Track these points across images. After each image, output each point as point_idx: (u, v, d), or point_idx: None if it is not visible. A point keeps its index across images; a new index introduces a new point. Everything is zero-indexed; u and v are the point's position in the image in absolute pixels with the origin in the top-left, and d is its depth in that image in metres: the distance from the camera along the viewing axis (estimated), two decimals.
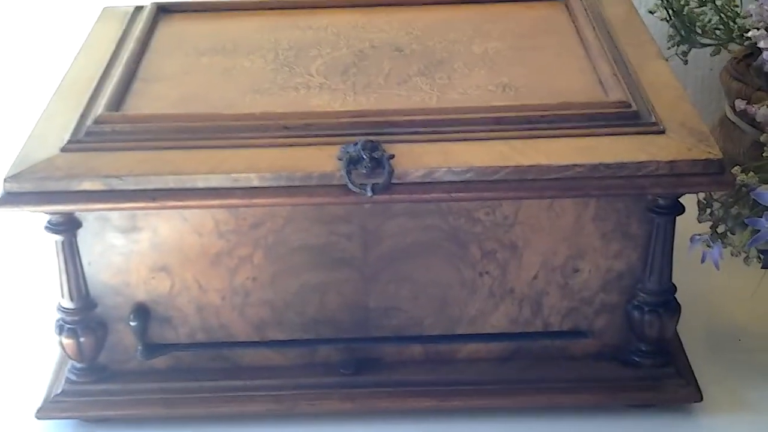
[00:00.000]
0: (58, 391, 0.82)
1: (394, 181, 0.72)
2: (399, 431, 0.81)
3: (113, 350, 0.81)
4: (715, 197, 0.84)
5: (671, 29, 1.01)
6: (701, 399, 0.80)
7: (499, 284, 0.79)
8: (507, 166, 0.72)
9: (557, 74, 0.83)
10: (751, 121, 0.95)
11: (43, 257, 0.83)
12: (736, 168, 0.79)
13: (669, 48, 1.02)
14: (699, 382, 0.80)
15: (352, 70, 0.84)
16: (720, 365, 0.84)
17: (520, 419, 0.75)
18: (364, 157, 0.72)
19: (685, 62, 1.03)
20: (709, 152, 0.73)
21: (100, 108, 0.78)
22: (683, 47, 1.03)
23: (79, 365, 0.81)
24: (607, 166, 0.73)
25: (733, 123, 1.02)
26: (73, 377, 0.82)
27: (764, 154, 0.83)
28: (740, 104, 0.90)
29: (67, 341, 0.79)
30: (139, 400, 0.81)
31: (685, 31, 1.01)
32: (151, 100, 0.81)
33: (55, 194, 0.73)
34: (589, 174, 0.73)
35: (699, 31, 1.01)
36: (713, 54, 1.03)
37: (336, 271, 0.79)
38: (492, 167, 0.73)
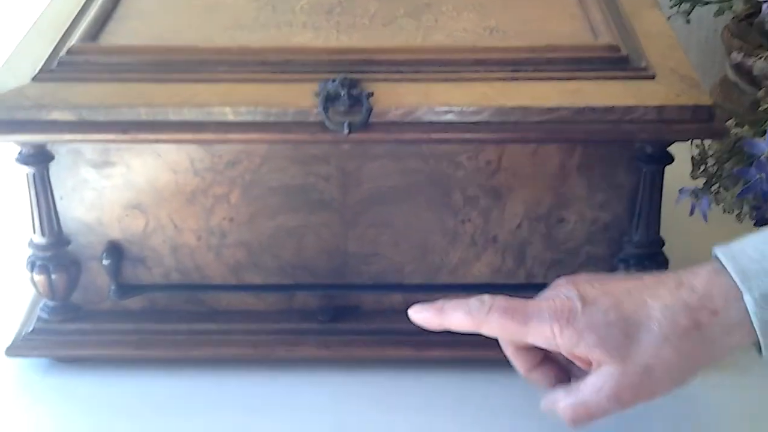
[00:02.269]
0: (29, 330, 0.80)
1: (372, 119, 0.70)
2: (376, 380, 0.79)
3: (87, 290, 0.80)
4: (709, 153, 0.82)
5: None
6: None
7: (482, 232, 0.77)
8: (489, 107, 0.70)
9: (547, 19, 0.80)
10: (751, 81, 0.93)
11: (16, 192, 0.81)
12: (730, 121, 0.77)
13: (671, 7, 1.00)
14: None
15: (336, 10, 0.82)
16: None
17: (500, 371, 0.73)
18: (342, 94, 0.70)
19: (688, 21, 1.00)
20: (699, 98, 0.71)
21: (74, 39, 0.76)
22: (686, 6, 1.00)
23: (51, 304, 0.80)
24: (594, 109, 0.70)
25: (734, 83, 0.99)
26: (45, 316, 0.80)
27: (760, 108, 0.80)
28: (737, 57, 0.87)
29: (39, 278, 0.78)
30: (112, 341, 0.79)
31: None
32: (127, 33, 0.79)
33: (24, 123, 0.71)
34: (575, 118, 0.70)
35: None
36: (717, 14, 1.00)
37: (314, 213, 0.77)
38: (473, 108, 0.70)
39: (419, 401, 0.77)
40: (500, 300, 0.61)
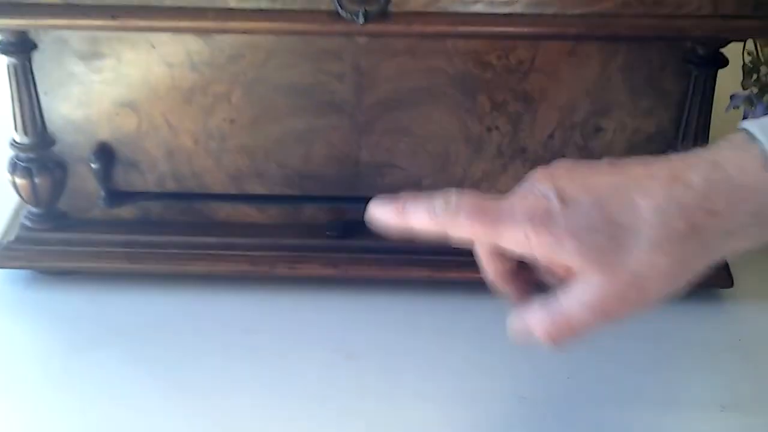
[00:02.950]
0: (11, 239, 0.73)
1: (391, 8, 0.62)
2: (386, 302, 0.72)
3: (74, 196, 0.73)
4: (763, 59, 0.74)
5: None
6: (732, 285, 0.71)
7: (510, 142, 0.70)
8: None
9: None
10: None
11: None
12: None
13: None
14: (730, 268, 0.71)
15: None
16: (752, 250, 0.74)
17: None
18: None
19: None
20: None
21: None
22: None
23: (35, 210, 0.73)
24: (642, 1, 0.62)
25: None
26: (29, 224, 0.73)
27: None
28: None
29: (21, 182, 0.71)
30: (101, 253, 0.73)
31: None
32: None
33: (3, 6, 0.63)
34: (620, 11, 0.62)
35: None
36: None
37: (324, 117, 0.69)
38: None
39: (435, 326, 0.70)
40: (468, 198, 0.52)
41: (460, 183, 0.71)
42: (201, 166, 0.71)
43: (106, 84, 0.69)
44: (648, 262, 0.49)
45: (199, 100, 0.69)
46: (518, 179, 0.69)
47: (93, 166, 0.71)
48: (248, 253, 0.72)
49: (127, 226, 0.73)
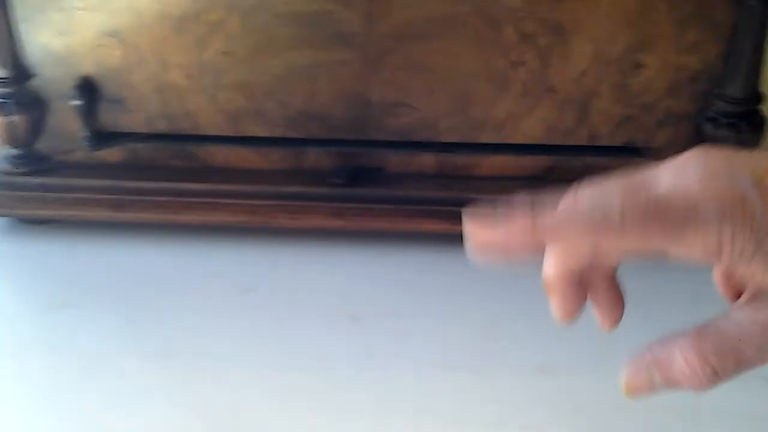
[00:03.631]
0: None
1: None
2: (397, 256, 0.65)
3: (55, 136, 0.66)
4: None
5: None
6: None
7: (538, 80, 0.62)
8: None
9: None
10: None
11: None
12: None
13: None
14: None
15: None
16: None
17: None
18: None
19: None
20: None
21: None
22: None
23: (13, 152, 0.66)
24: None
25: None
26: (6, 166, 0.67)
27: None
28: None
29: None
30: (84, 200, 0.66)
31: None
32: None
33: None
34: None
35: None
36: None
37: (331, 49, 0.62)
38: None
39: (450, 286, 0.63)
40: (629, 193, 0.35)
41: (481, 125, 0.64)
42: (194, 104, 0.64)
43: (89, 11, 0.62)
44: None
45: (192, 30, 0.62)
46: (545, 121, 0.63)
47: (75, 103, 0.64)
48: (246, 201, 0.66)
49: (113, 170, 0.67)
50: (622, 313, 0.39)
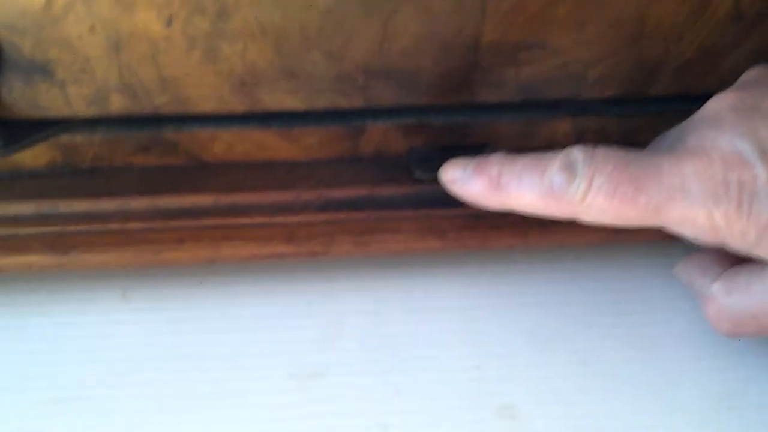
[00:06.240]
0: None
1: None
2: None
3: None
4: None
5: None
6: None
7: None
8: None
9: None
10: None
11: None
12: None
13: None
14: None
15: None
16: None
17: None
18: None
19: None
20: None
21: None
22: None
23: None
24: None
25: None
26: None
27: None
28: None
29: None
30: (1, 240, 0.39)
31: None
32: None
33: None
34: None
35: None
36: None
37: None
38: None
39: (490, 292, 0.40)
40: (603, 164, 0.33)
41: (654, 71, 0.39)
42: (178, 66, 0.37)
43: None
44: None
45: None
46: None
47: None
48: (272, 220, 0.40)
49: (42, 183, 0.39)
50: None
